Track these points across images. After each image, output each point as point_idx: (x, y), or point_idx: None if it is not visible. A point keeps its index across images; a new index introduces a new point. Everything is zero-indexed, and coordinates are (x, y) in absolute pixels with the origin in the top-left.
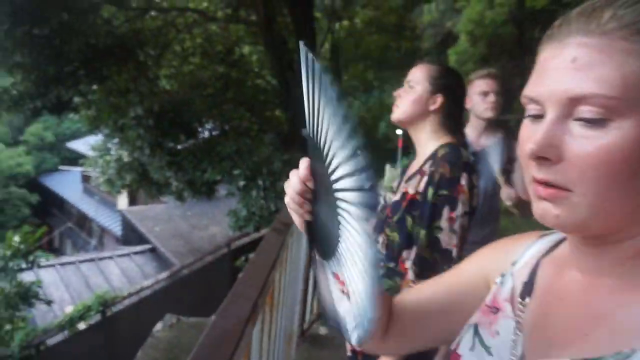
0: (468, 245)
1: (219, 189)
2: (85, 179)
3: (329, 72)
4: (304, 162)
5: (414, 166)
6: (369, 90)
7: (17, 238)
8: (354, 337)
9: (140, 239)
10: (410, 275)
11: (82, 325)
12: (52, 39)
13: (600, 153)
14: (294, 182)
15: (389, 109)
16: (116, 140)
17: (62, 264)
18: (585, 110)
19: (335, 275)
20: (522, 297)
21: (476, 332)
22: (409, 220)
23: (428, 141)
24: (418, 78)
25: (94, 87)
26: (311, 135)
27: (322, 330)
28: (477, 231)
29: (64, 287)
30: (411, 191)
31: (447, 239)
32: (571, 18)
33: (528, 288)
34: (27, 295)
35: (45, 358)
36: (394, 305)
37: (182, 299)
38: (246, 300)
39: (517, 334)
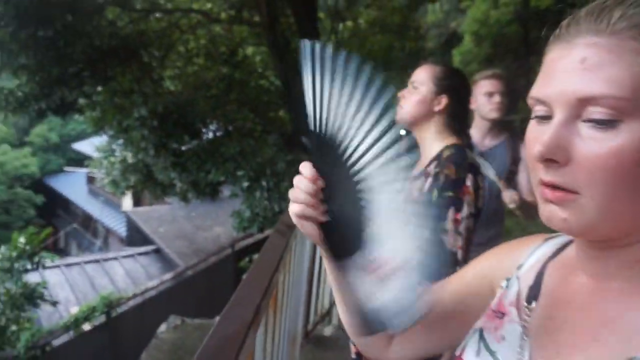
0: (473, 246)
1: (222, 189)
2: (90, 180)
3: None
4: (306, 165)
5: (419, 167)
6: None
7: (22, 239)
8: (403, 318)
9: (145, 239)
10: None
11: (87, 326)
12: (57, 40)
13: (609, 155)
14: (305, 185)
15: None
16: (121, 141)
17: (67, 265)
18: (595, 112)
19: (368, 265)
20: (529, 301)
21: (481, 337)
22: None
23: (433, 142)
24: (422, 79)
25: (99, 88)
26: (319, 130)
27: (327, 332)
28: (483, 232)
29: (69, 288)
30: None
31: (452, 241)
32: (580, 18)
33: (534, 292)
34: (33, 296)
35: (51, 359)
36: None
37: (186, 300)
38: (249, 304)
39: (524, 339)
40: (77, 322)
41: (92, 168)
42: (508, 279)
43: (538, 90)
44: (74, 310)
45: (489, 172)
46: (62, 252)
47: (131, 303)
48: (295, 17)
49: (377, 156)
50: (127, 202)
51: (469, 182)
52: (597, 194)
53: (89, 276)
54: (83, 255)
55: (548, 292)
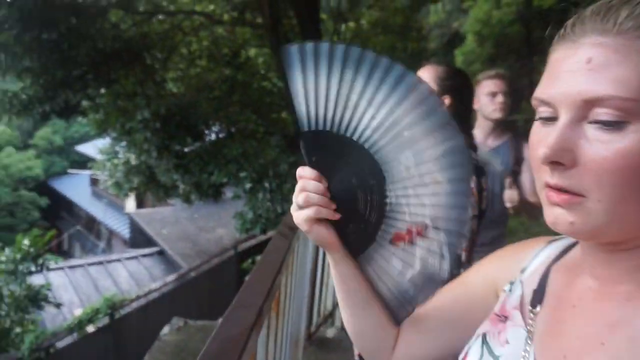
0: (477, 247)
1: (225, 191)
2: (94, 182)
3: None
4: (304, 168)
5: None
6: None
7: (26, 241)
8: (429, 288)
9: (148, 241)
10: None
11: (90, 328)
12: (61, 43)
13: (617, 157)
14: (313, 186)
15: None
16: (124, 143)
17: (71, 267)
18: (601, 113)
19: (398, 235)
20: (533, 305)
21: (484, 342)
22: None
23: None
24: (425, 79)
25: (102, 90)
26: (316, 127)
27: (329, 334)
28: (486, 233)
29: (73, 290)
30: None
31: None
32: (585, 17)
33: (539, 296)
34: (37, 298)
35: None
36: None
37: (189, 302)
38: (251, 307)
39: (528, 343)
40: (80, 324)
41: (95, 170)
42: (511, 283)
43: (542, 91)
44: (78, 312)
45: (496, 165)
46: (66, 254)
47: (134, 305)
48: (297, 18)
49: (398, 128)
50: (130, 204)
51: (472, 184)
52: (604, 197)
53: (92, 278)
54: (87, 257)
55: (553, 296)
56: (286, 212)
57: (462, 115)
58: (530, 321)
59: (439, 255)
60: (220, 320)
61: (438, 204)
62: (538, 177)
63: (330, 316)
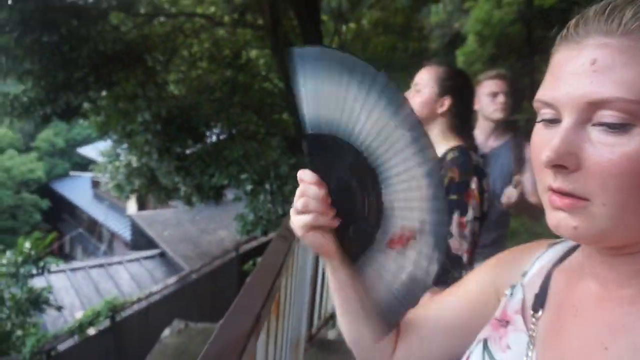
0: (479, 249)
1: (226, 193)
2: (95, 184)
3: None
4: (306, 172)
5: None
6: None
7: (27, 244)
8: (431, 275)
9: (150, 243)
10: None
11: (91, 331)
12: (62, 45)
13: (622, 160)
14: (313, 192)
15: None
16: (125, 145)
17: (73, 270)
18: (606, 115)
19: (392, 238)
20: (535, 309)
21: (485, 347)
22: None
23: (437, 144)
24: (425, 80)
25: (103, 93)
26: (316, 131)
27: (330, 335)
28: (488, 235)
29: (74, 292)
30: None
31: (457, 245)
32: (588, 17)
33: (540, 300)
34: (38, 301)
35: None
36: (401, 324)
37: (191, 304)
38: (250, 312)
39: (530, 348)
40: (81, 326)
41: (96, 172)
42: (512, 287)
43: (545, 93)
44: (79, 314)
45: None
46: (68, 257)
47: (135, 307)
48: (298, 19)
49: (387, 133)
50: (131, 206)
51: (473, 186)
52: (609, 201)
53: (93, 281)
54: (88, 259)
55: (554, 300)
56: (287, 213)
57: (463, 115)
58: (532, 326)
59: (429, 259)
60: (219, 324)
61: (425, 208)
62: (540, 181)
63: (331, 318)
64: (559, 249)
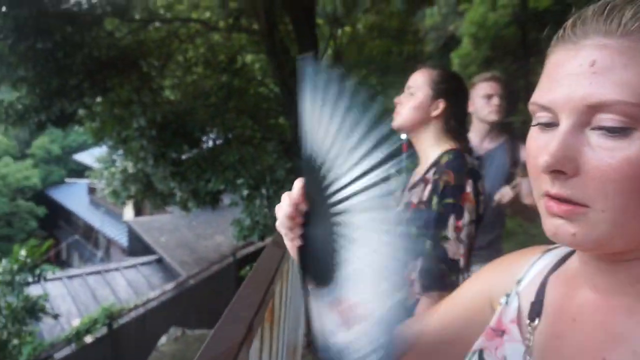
0: (475, 251)
1: (223, 198)
2: (92, 190)
3: (341, 78)
4: (298, 183)
5: (417, 174)
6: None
7: (23, 252)
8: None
9: (147, 249)
10: (416, 286)
11: (88, 339)
12: (56, 52)
13: (623, 165)
14: (284, 205)
15: (392, 114)
16: (120, 151)
17: (69, 277)
18: (606, 119)
19: (336, 302)
20: (531, 318)
21: (481, 358)
22: (414, 230)
23: (431, 148)
24: (419, 83)
25: (98, 99)
26: (308, 155)
27: None
28: (484, 236)
29: (71, 299)
30: (415, 200)
31: (454, 249)
32: (586, 17)
33: (536, 309)
34: (34, 310)
35: None
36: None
37: (188, 310)
38: (241, 321)
39: (527, 359)
40: (78, 334)
41: (92, 179)
42: (507, 295)
43: (541, 95)
44: (76, 322)
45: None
46: (65, 264)
47: (133, 314)
48: (293, 24)
49: (363, 188)
50: (128, 212)
51: (468, 189)
52: (609, 207)
53: (90, 288)
54: (85, 266)
55: (551, 309)
56: None
57: (457, 118)
58: (528, 335)
59: (366, 346)
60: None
61: (383, 294)
62: (536, 186)
63: None
64: (554, 255)
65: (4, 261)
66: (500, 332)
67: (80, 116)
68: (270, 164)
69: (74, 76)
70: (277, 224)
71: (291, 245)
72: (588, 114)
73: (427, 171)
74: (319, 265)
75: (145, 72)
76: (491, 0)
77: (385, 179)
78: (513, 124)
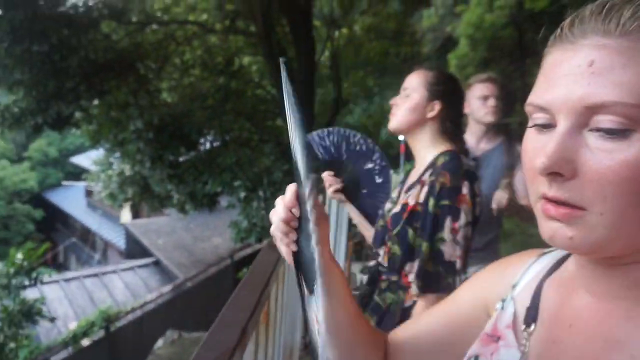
0: (471, 253)
1: (220, 200)
2: (89, 193)
3: (298, 89)
4: (290, 188)
5: (414, 175)
6: (369, 96)
7: (20, 255)
8: None
9: (144, 252)
10: (413, 289)
11: (85, 342)
12: (52, 55)
13: (622, 167)
14: (279, 209)
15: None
16: (117, 154)
17: (66, 280)
18: (605, 120)
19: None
20: (527, 323)
21: None
22: (410, 232)
23: (427, 149)
24: (414, 85)
25: (95, 101)
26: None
27: None
28: (480, 238)
29: (68, 303)
30: (411, 202)
31: (451, 251)
32: (584, 17)
33: (532, 314)
34: (31, 313)
35: None
36: (389, 343)
37: (185, 312)
38: (235, 325)
39: None
40: (75, 337)
41: (90, 181)
42: (503, 300)
43: (538, 96)
44: (73, 325)
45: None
46: (62, 267)
47: (130, 317)
48: (290, 25)
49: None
50: (125, 214)
51: (465, 190)
52: (607, 210)
53: (87, 290)
54: (82, 269)
55: (547, 314)
56: None
57: (453, 120)
58: (524, 341)
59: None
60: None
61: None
62: (533, 188)
63: None
64: (549, 259)
65: (0, 264)
66: (495, 337)
67: (77, 119)
68: (268, 166)
69: (71, 79)
70: (272, 229)
71: (286, 250)
72: (586, 115)
73: (424, 173)
74: (308, 272)
75: (142, 74)
76: (488, 1)
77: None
78: (510, 125)
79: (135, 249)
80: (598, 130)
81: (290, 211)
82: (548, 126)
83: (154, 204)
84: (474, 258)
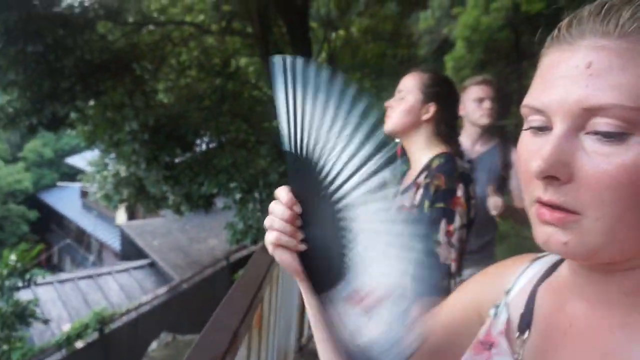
0: (466, 255)
1: (216, 201)
2: (84, 194)
3: (327, 71)
4: (282, 189)
5: (409, 178)
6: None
7: (13, 256)
8: (393, 355)
9: (139, 253)
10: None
11: (79, 344)
12: (47, 55)
13: (619, 172)
14: (280, 211)
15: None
16: (113, 155)
17: (60, 281)
18: (602, 123)
19: (353, 294)
20: (521, 330)
21: None
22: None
23: (422, 152)
24: (409, 87)
25: (90, 102)
26: (295, 150)
27: None
28: (475, 240)
29: (62, 304)
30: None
31: (446, 253)
32: (582, 17)
33: (526, 320)
34: (24, 315)
35: None
36: None
37: (181, 314)
38: (226, 329)
39: None
40: (69, 339)
41: (85, 182)
42: (496, 306)
43: (534, 98)
44: (67, 327)
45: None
46: (56, 268)
47: (125, 319)
48: (287, 27)
49: (361, 179)
50: (121, 215)
51: (459, 193)
52: (603, 215)
53: (82, 292)
54: (77, 270)
55: (541, 321)
56: None
57: (448, 122)
58: (517, 349)
59: (398, 325)
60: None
61: (398, 271)
62: (528, 192)
63: None
64: (543, 263)
65: None
66: (488, 345)
67: (73, 119)
68: (264, 167)
69: (66, 79)
70: (274, 236)
71: (289, 256)
72: (583, 117)
73: (419, 175)
74: (326, 265)
75: (138, 75)
76: (484, 3)
77: (378, 171)
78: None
79: (130, 251)
80: (595, 133)
81: (292, 209)
82: (544, 129)
83: (150, 205)
84: (470, 260)
